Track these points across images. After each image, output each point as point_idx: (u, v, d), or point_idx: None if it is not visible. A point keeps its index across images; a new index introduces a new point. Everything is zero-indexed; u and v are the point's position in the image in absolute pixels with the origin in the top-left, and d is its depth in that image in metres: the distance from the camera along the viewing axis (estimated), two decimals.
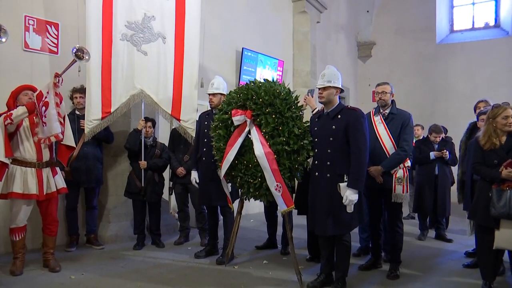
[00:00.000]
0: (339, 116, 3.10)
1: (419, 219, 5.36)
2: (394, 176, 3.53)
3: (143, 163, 4.29)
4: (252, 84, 3.48)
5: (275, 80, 3.54)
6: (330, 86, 3.12)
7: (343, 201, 2.94)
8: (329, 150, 3.08)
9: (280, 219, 4.04)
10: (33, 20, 4.17)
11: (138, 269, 3.66)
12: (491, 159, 3.12)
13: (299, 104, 3.38)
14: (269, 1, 7.27)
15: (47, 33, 4.27)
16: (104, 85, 4.00)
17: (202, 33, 4.72)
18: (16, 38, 4.05)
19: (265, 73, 6.85)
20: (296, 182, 3.69)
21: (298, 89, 7.84)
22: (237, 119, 3.41)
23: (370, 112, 3.79)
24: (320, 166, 3.13)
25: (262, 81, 3.48)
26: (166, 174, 4.72)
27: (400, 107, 3.74)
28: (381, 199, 3.70)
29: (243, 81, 6.52)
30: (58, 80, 3.35)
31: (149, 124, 4.36)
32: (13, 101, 3.47)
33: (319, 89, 3.17)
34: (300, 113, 3.33)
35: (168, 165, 4.60)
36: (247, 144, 3.42)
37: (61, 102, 3.44)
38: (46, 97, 3.31)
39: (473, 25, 10.08)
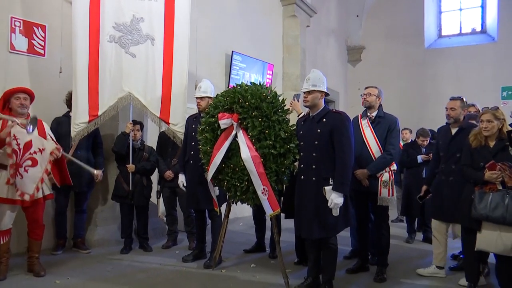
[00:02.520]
0: (324, 120, 3.11)
1: (407, 222, 5.40)
2: (379, 180, 3.55)
3: (131, 167, 4.26)
4: (239, 87, 3.46)
5: (262, 83, 3.55)
6: (314, 90, 3.13)
7: (328, 204, 2.94)
8: (314, 154, 3.09)
9: (268, 222, 4.04)
10: (20, 22, 4.12)
11: (125, 273, 3.63)
12: (478, 161, 3.18)
13: (285, 108, 3.38)
14: (260, 5, 7.31)
15: (33, 35, 4.23)
16: (91, 88, 3.96)
17: (192, 36, 4.70)
18: (2, 39, 4.01)
19: (254, 76, 6.87)
20: (284, 185, 3.69)
21: (288, 92, 7.87)
22: (224, 122, 3.40)
23: (357, 116, 3.80)
24: (305, 169, 3.14)
25: (249, 84, 3.48)
26: (154, 177, 4.69)
27: (389, 111, 3.78)
28: (368, 202, 3.73)
29: (233, 84, 6.52)
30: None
31: (137, 127, 4.34)
32: (3, 103, 3.42)
33: (304, 93, 3.19)
34: (286, 116, 3.34)
35: (156, 169, 4.58)
36: (234, 148, 3.41)
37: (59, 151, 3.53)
38: (34, 153, 3.34)
39: (460, 30, 10.24)
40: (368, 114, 3.70)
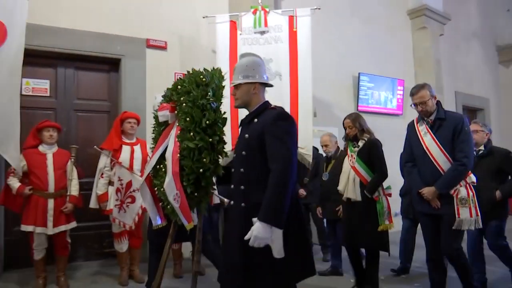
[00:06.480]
0: (255, 120, 2.20)
1: None
2: (455, 197, 2.91)
3: None
4: (188, 72, 2.86)
5: (218, 68, 2.83)
6: (241, 84, 2.26)
7: (246, 237, 1.96)
8: (242, 169, 2.18)
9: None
10: (180, 75, 5.25)
11: None
12: None
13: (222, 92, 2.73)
14: (385, 23, 7.37)
15: None
16: (232, 122, 4.80)
17: (318, 64, 5.14)
18: None
19: (383, 94, 6.95)
20: None
21: None
22: (162, 114, 2.89)
23: (413, 121, 3.26)
24: (234, 191, 2.23)
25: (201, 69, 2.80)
26: None
27: None
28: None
29: (362, 104, 6.75)
30: None
31: None
32: (120, 124, 4.15)
33: (234, 87, 2.32)
34: (220, 104, 2.70)
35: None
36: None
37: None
38: (133, 192, 3.97)
39: None
40: (426, 118, 3.10)
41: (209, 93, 2.62)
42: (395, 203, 3.87)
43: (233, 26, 4.90)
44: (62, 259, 3.96)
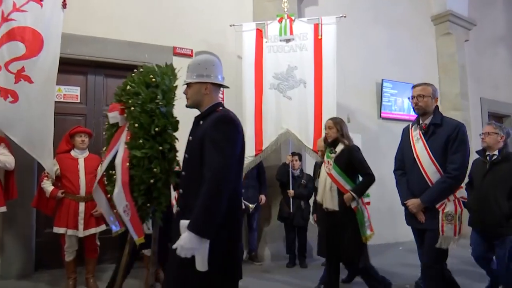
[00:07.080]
0: (201, 122, 2.12)
1: None
2: (441, 212, 2.70)
3: (290, 192, 4.95)
4: (140, 69, 2.67)
5: (170, 64, 2.67)
6: (191, 83, 2.13)
7: (174, 246, 1.88)
8: (183, 173, 2.16)
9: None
10: None
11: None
12: None
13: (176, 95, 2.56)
14: (408, 29, 7.33)
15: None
16: (257, 127, 4.89)
17: (341, 70, 5.16)
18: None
19: (406, 101, 6.87)
20: None
21: (448, 112, 7.51)
22: (112, 116, 2.71)
23: (408, 125, 3.05)
24: (178, 196, 2.22)
25: (154, 66, 2.64)
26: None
27: None
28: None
29: (385, 111, 6.70)
30: None
31: (296, 157, 5.03)
32: None
33: (186, 87, 2.20)
34: (172, 106, 2.56)
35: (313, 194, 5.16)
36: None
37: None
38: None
39: None
40: (421, 122, 2.87)
41: (158, 96, 2.48)
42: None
43: (259, 34, 4.98)
44: (92, 261, 4.08)
